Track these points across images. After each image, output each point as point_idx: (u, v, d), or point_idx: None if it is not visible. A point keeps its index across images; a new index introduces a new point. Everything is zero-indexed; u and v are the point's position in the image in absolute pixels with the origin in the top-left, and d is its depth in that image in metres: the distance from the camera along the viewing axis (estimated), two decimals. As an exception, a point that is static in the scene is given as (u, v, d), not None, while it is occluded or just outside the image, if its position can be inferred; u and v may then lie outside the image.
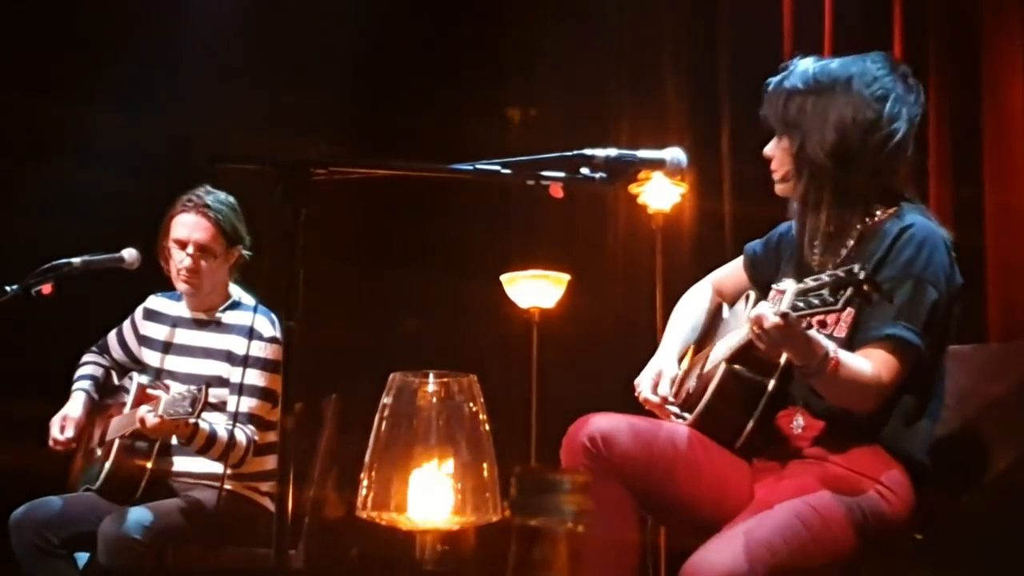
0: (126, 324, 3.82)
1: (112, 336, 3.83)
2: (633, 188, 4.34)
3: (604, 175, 2.32)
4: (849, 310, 2.42)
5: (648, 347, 2.85)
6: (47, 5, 4.90)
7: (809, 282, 2.21)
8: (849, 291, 2.16)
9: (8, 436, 3.56)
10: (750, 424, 2.50)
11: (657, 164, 2.44)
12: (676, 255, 4.54)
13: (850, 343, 2.42)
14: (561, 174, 2.29)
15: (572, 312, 4.68)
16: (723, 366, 2.54)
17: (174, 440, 3.54)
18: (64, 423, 3.64)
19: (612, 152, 2.35)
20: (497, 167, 2.31)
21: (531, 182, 2.29)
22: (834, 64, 2.53)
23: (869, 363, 2.38)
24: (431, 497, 1.91)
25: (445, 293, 4.98)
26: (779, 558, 2.25)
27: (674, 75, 4.80)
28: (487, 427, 1.97)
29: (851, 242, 2.52)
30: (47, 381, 3.83)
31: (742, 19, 4.51)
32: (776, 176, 2.60)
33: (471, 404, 1.96)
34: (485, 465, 1.94)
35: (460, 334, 4.99)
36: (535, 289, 4.60)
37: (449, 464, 1.92)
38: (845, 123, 2.47)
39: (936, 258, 2.43)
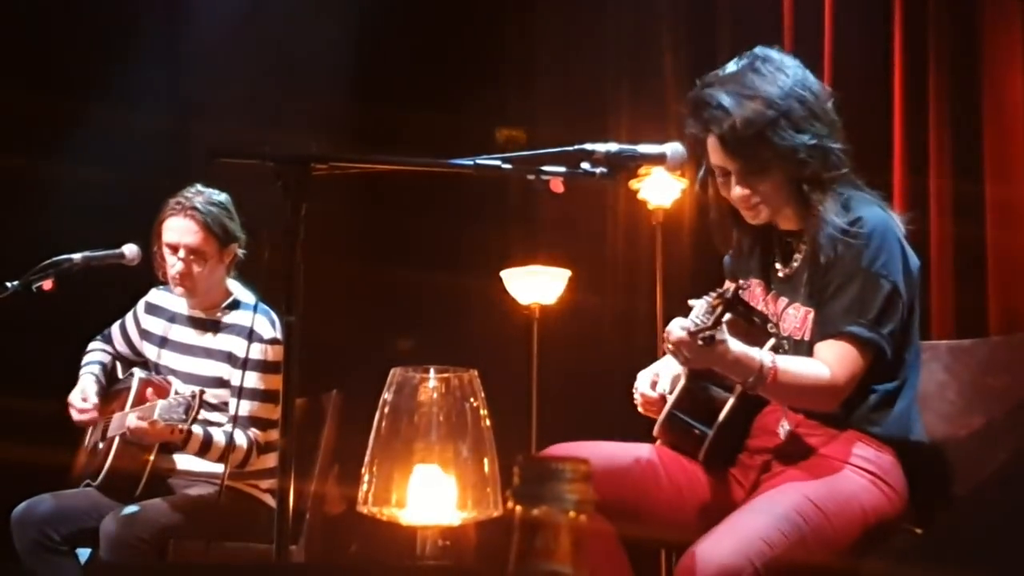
0: (129, 316, 3.82)
1: (115, 328, 3.84)
2: (633, 183, 4.34)
3: (605, 170, 2.32)
4: (809, 311, 2.44)
5: (648, 343, 2.85)
6: (47, 3, 4.90)
7: (709, 298, 2.22)
8: (719, 309, 2.19)
9: (9, 432, 3.57)
10: (709, 437, 2.47)
11: (658, 159, 2.44)
12: (677, 251, 4.54)
13: (812, 344, 2.43)
14: (561, 169, 2.29)
15: (573, 308, 4.68)
16: (684, 378, 2.54)
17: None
18: (84, 395, 3.64)
19: (613, 147, 2.35)
20: (498, 162, 2.31)
21: (531, 177, 2.29)
22: (761, 81, 2.43)
23: (819, 365, 2.37)
24: (432, 493, 1.91)
25: (446, 288, 4.98)
26: (777, 551, 2.24)
27: (674, 70, 4.80)
28: (488, 422, 1.96)
29: (805, 239, 2.51)
30: (48, 378, 3.83)
31: (742, 13, 4.51)
32: (764, 212, 2.50)
33: (472, 400, 1.96)
34: (486, 460, 1.94)
35: (461, 329, 4.98)
36: (535, 284, 4.60)
37: (450, 460, 1.92)
38: (823, 122, 2.44)
39: (886, 248, 2.40)
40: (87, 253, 3.59)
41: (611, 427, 2.70)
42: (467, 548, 3.62)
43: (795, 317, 2.49)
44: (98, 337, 3.85)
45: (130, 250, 3.66)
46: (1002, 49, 3.81)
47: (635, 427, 2.69)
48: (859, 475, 2.41)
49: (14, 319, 3.45)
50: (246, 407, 3.50)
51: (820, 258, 2.44)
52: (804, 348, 2.45)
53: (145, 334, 3.76)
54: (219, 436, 3.45)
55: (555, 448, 2.53)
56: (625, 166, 2.39)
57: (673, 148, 2.46)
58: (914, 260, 2.48)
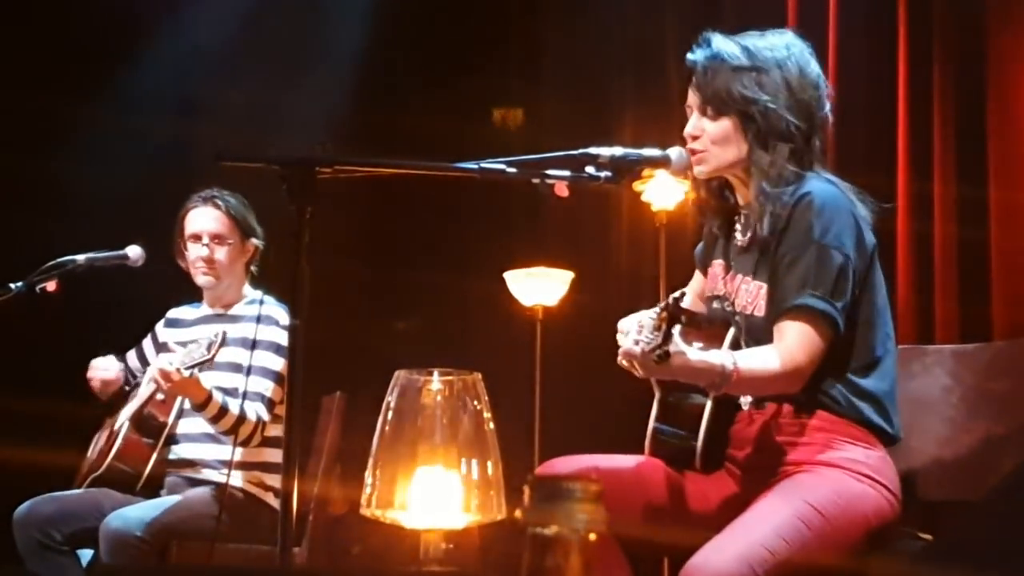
0: (146, 338, 3.87)
1: (131, 351, 3.87)
2: (637, 186, 4.33)
3: (609, 174, 2.32)
4: (761, 285, 2.43)
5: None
6: (50, 3, 4.91)
7: (653, 316, 2.20)
8: (664, 325, 2.14)
9: (13, 433, 3.57)
10: (699, 444, 2.45)
11: (662, 162, 2.45)
12: (680, 253, 4.52)
13: (766, 319, 2.42)
14: (566, 173, 2.30)
15: (576, 310, 4.67)
16: (657, 391, 2.52)
17: (180, 429, 3.57)
18: (108, 363, 3.68)
19: (617, 151, 2.36)
20: (502, 166, 2.31)
21: (536, 181, 2.29)
22: (762, 43, 2.50)
23: (777, 352, 2.35)
24: (435, 496, 1.91)
25: (449, 291, 4.98)
26: (780, 558, 2.23)
27: (679, 73, 4.79)
28: (491, 425, 1.96)
29: (760, 216, 2.48)
30: (52, 379, 3.84)
31: (746, 15, 4.50)
32: (706, 160, 2.49)
33: (475, 402, 1.96)
34: (489, 463, 1.94)
35: (464, 332, 4.98)
36: (539, 286, 4.60)
37: (453, 462, 1.92)
38: (796, 100, 2.46)
39: (837, 221, 2.39)
40: (91, 254, 3.59)
41: (614, 429, 2.71)
42: (470, 551, 3.62)
43: (748, 292, 2.49)
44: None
45: (134, 252, 3.67)
46: (1007, 52, 3.81)
47: (637, 428, 2.68)
48: (856, 479, 2.40)
49: (18, 320, 3.45)
50: (259, 384, 3.53)
51: (762, 223, 2.43)
52: (758, 323, 2.44)
53: (164, 347, 3.77)
54: (234, 407, 3.48)
55: (555, 461, 2.52)
56: (629, 170, 2.39)
57: (677, 152, 2.47)
58: (870, 238, 2.47)
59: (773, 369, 2.35)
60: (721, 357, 2.30)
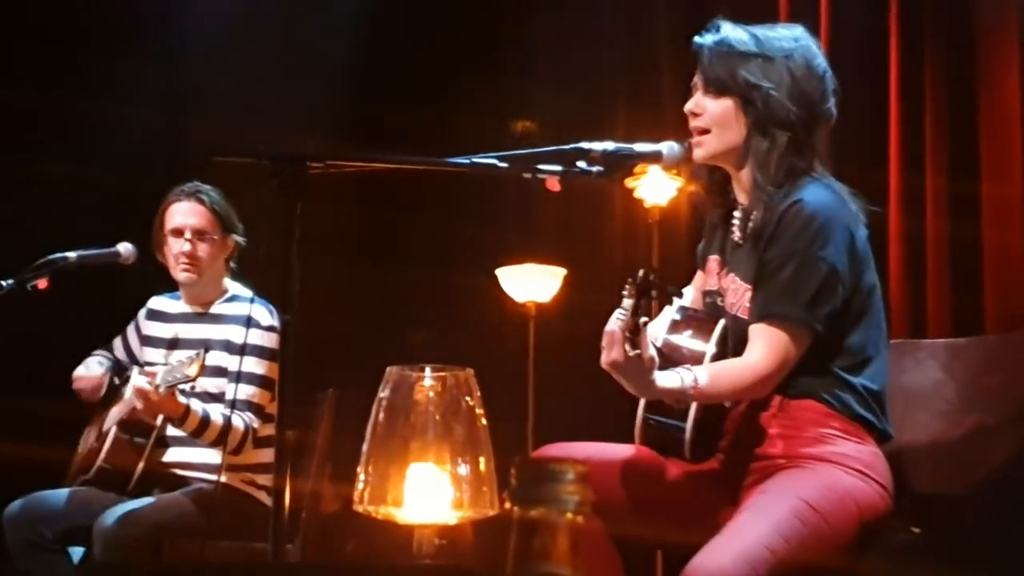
0: (130, 326, 3.83)
1: (117, 339, 3.85)
2: (630, 182, 4.33)
3: (601, 169, 2.33)
4: (747, 288, 2.43)
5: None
6: (43, 1, 4.90)
7: (624, 293, 2.20)
8: (642, 299, 2.15)
9: (4, 431, 3.56)
10: (688, 433, 2.44)
11: (654, 157, 2.45)
12: (673, 249, 4.53)
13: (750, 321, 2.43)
14: (558, 168, 2.30)
15: (568, 306, 4.68)
16: None
17: (170, 431, 3.55)
18: (89, 366, 3.68)
19: (609, 146, 2.36)
20: (494, 160, 2.31)
21: (528, 176, 2.29)
22: (771, 34, 2.51)
23: (744, 361, 2.36)
24: (428, 491, 1.90)
25: (441, 287, 4.98)
26: (779, 556, 2.23)
27: (671, 68, 4.80)
28: (484, 421, 1.96)
29: (756, 206, 2.48)
30: (43, 376, 3.83)
31: (739, 11, 4.50)
32: (705, 143, 2.48)
33: (468, 398, 1.96)
34: (482, 459, 1.94)
35: (456, 328, 4.98)
36: (531, 283, 4.60)
37: (446, 458, 1.92)
38: (799, 91, 2.46)
39: (825, 230, 2.38)
40: (82, 251, 3.58)
41: (607, 425, 2.70)
42: (464, 547, 3.62)
43: (735, 292, 2.49)
44: (100, 348, 3.85)
45: (125, 248, 3.65)
46: (998, 49, 3.82)
47: (629, 425, 2.67)
48: (848, 473, 2.40)
49: (8, 317, 3.44)
50: (244, 391, 3.50)
51: (759, 212, 2.42)
52: (742, 324, 2.44)
53: (148, 340, 3.76)
54: (217, 416, 3.45)
55: (548, 448, 2.53)
56: (621, 165, 2.40)
57: (669, 147, 2.47)
58: (862, 240, 2.46)
59: (739, 377, 2.36)
60: (682, 375, 2.30)
